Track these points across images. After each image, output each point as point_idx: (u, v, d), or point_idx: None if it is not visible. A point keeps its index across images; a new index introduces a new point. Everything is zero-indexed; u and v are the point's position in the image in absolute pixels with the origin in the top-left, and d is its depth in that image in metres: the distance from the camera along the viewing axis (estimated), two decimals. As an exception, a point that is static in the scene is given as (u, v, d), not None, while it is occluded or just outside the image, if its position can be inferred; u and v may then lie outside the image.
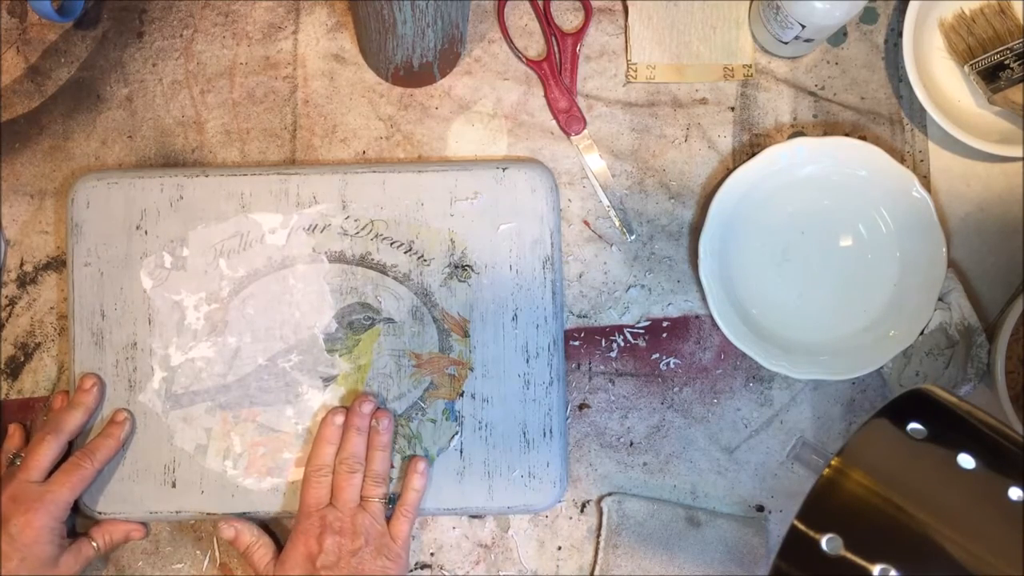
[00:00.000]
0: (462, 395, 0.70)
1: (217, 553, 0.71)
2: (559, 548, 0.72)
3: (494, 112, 0.74)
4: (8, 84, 0.74)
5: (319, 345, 0.70)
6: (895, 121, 0.75)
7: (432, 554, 0.71)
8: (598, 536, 0.71)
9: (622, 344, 0.73)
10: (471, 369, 0.70)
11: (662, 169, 0.74)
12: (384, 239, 0.71)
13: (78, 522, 0.70)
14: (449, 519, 0.72)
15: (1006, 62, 0.71)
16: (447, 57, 0.72)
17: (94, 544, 0.67)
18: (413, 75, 0.72)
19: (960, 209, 0.74)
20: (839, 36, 0.75)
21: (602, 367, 0.73)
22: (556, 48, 0.74)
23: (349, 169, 0.71)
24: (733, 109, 0.74)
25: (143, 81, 0.74)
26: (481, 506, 0.70)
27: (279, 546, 0.69)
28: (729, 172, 0.72)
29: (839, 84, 0.75)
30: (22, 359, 0.72)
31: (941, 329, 0.72)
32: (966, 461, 0.45)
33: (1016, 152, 0.71)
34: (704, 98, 0.74)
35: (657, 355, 0.73)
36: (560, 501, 0.71)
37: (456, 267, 0.71)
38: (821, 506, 0.45)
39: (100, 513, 0.68)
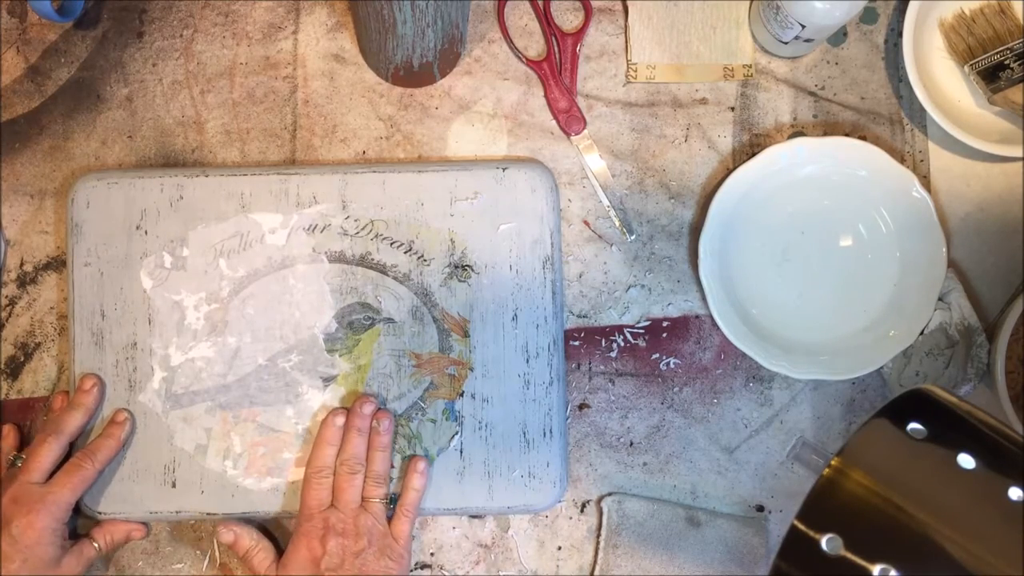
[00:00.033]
0: (462, 395, 0.70)
1: (217, 553, 0.71)
2: (559, 548, 0.72)
3: (494, 112, 0.74)
4: (8, 84, 0.74)
5: (319, 345, 0.70)
6: (895, 121, 0.75)
7: (432, 554, 0.71)
8: (598, 536, 0.71)
9: (622, 344, 0.73)
10: (471, 369, 0.70)
11: (662, 169, 0.74)
12: (384, 239, 0.71)
13: (79, 523, 0.70)
14: (449, 519, 0.72)
15: (1006, 62, 0.71)
16: (447, 57, 0.72)
17: (95, 545, 0.67)
18: (413, 75, 0.72)
19: (960, 209, 0.74)
20: (839, 36, 0.75)
21: (602, 367, 0.73)
22: (556, 48, 0.74)
23: (349, 169, 0.71)
24: (733, 109, 0.74)
25: (143, 81, 0.74)
26: (481, 506, 0.70)
27: (278, 549, 0.69)
28: (729, 172, 0.72)
29: (839, 84, 0.75)
30: (22, 359, 0.72)
31: (941, 329, 0.72)
32: (966, 461, 0.45)
33: (1016, 152, 0.71)
34: (704, 98, 0.74)
35: (657, 355, 0.73)
36: (560, 501, 0.71)
37: (456, 267, 0.71)
38: (821, 506, 0.45)
39: (100, 513, 0.68)
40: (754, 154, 0.72)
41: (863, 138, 0.73)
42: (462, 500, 0.70)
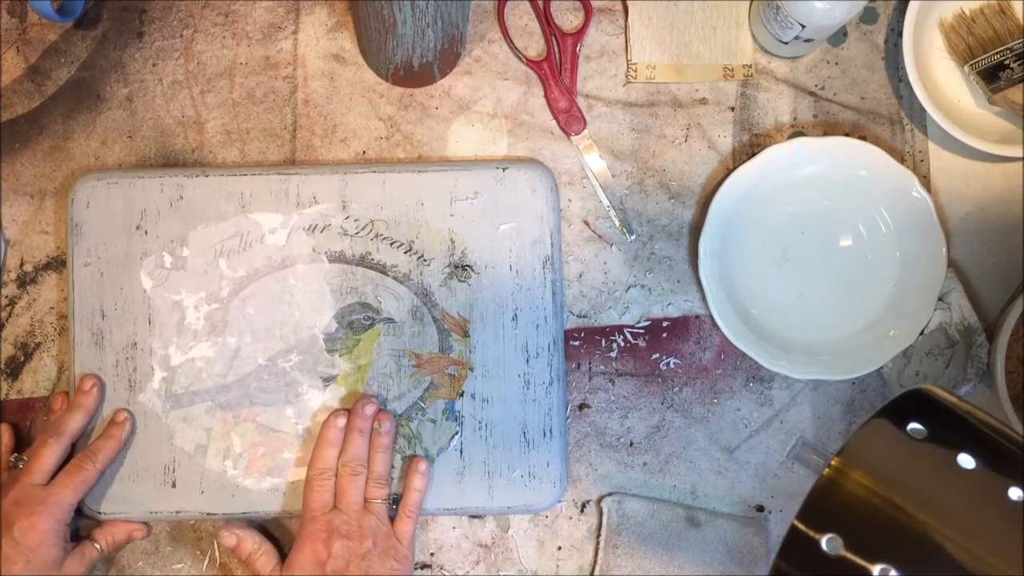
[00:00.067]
0: (462, 395, 0.70)
1: (217, 553, 0.71)
2: (559, 548, 0.72)
3: (494, 112, 0.74)
4: (8, 84, 0.74)
5: (319, 345, 0.70)
6: (895, 121, 0.75)
7: (432, 554, 0.71)
8: (598, 536, 0.71)
9: (622, 344, 0.73)
10: (471, 369, 0.70)
11: (662, 169, 0.74)
12: (384, 239, 0.71)
13: (81, 524, 0.70)
14: (449, 519, 0.72)
15: (1006, 62, 0.71)
16: (447, 57, 0.72)
17: (97, 546, 0.67)
18: (413, 75, 0.72)
19: (960, 209, 0.74)
20: (839, 36, 0.75)
21: (602, 367, 0.73)
22: (556, 48, 0.74)
23: (349, 169, 0.71)
24: (733, 109, 0.74)
25: (143, 81, 0.74)
26: (481, 506, 0.70)
27: (280, 551, 0.69)
28: (729, 172, 0.72)
29: (839, 84, 0.75)
30: (22, 359, 0.72)
31: (941, 329, 0.72)
32: (966, 461, 0.45)
33: (1016, 152, 0.71)
34: (704, 98, 0.74)
35: (657, 355, 0.73)
36: (560, 501, 0.71)
37: (456, 267, 0.71)
38: (821, 506, 0.45)
39: (100, 513, 0.68)
40: (754, 154, 0.72)
41: (863, 138, 0.73)
42: (462, 500, 0.70)
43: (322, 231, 0.71)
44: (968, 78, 0.74)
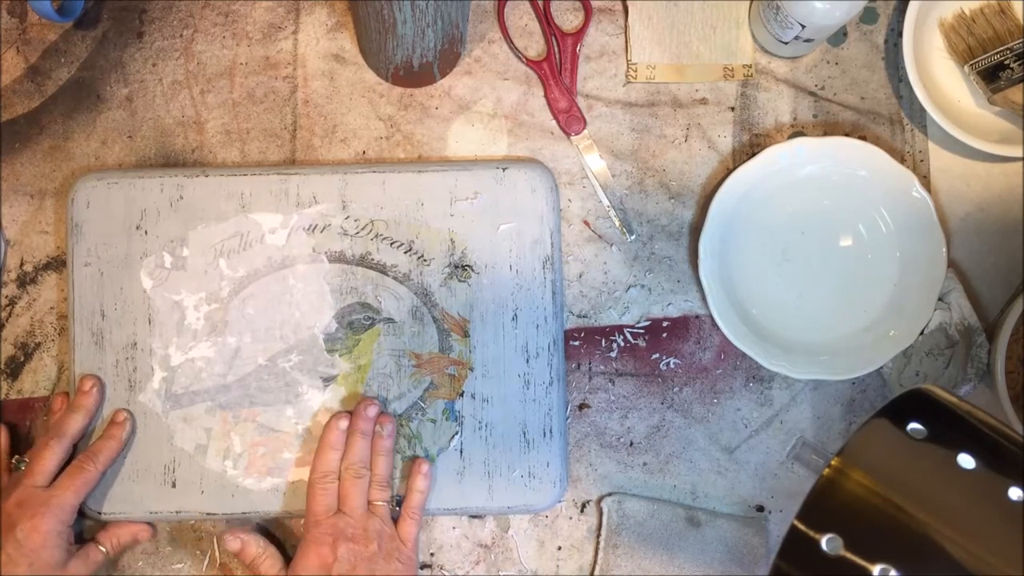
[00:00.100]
0: (462, 395, 0.70)
1: (217, 553, 0.71)
2: (559, 548, 0.72)
3: (494, 112, 0.74)
4: (8, 84, 0.74)
5: (319, 345, 0.70)
6: (895, 121, 0.75)
7: (432, 554, 0.71)
8: (598, 536, 0.71)
9: (622, 344, 0.73)
10: (471, 369, 0.70)
11: (662, 169, 0.74)
12: (384, 239, 0.71)
13: (85, 527, 0.70)
14: (449, 519, 0.72)
15: (1006, 62, 0.71)
16: (447, 57, 0.72)
17: (102, 549, 0.67)
18: (413, 75, 0.72)
19: (960, 209, 0.74)
20: (839, 36, 0.75)
21: (602, 367, 0.73)
22: (556, 48, 0.74)
23: (349, 169, 0.71)
24: (733, 109, 0.74)
25: (143, 81, 0.74)
26: (481, 506, 0.70)
27: (282, 552, 0.69)
28: (729, 172, 0.72)
29: (839, 84, 0.75)
30: (22, 359, 0.72)
31: (941, 329, 0.72)
32: (966, 461, 0.45)
33: (1016, 152, 0.71)
34: (704, 98, 0.74)
35: (657, 355, 0.73)
36: (560, 501, 0.71)
37: (456, 267, 0.71)
38: (821, 506, 0.45)
39: (100, 514, 0.68)
40: (754, 154, 0.72)
41: (863, 138, 0.73)
42: (462, 500, 0.70)
43: (322, 231, 0.71)
44: (968, 78, 0.74)
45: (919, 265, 0.72)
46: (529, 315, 0.70)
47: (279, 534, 0.71)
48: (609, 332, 0.73)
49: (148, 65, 0.74)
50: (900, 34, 0.72)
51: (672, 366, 0.73)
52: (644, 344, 0.73)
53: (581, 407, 0.73)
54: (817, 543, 0.44)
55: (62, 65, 0.74)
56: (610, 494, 0.72)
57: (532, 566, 0.71)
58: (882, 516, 0.44)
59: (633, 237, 0.74)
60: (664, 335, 0.73)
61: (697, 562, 0.70)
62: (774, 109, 0.74)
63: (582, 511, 0.72)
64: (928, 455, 0.46)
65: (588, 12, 0.74)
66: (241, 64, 0.74)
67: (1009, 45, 0.71)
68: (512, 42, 0.74)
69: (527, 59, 0.74)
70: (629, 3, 0.74)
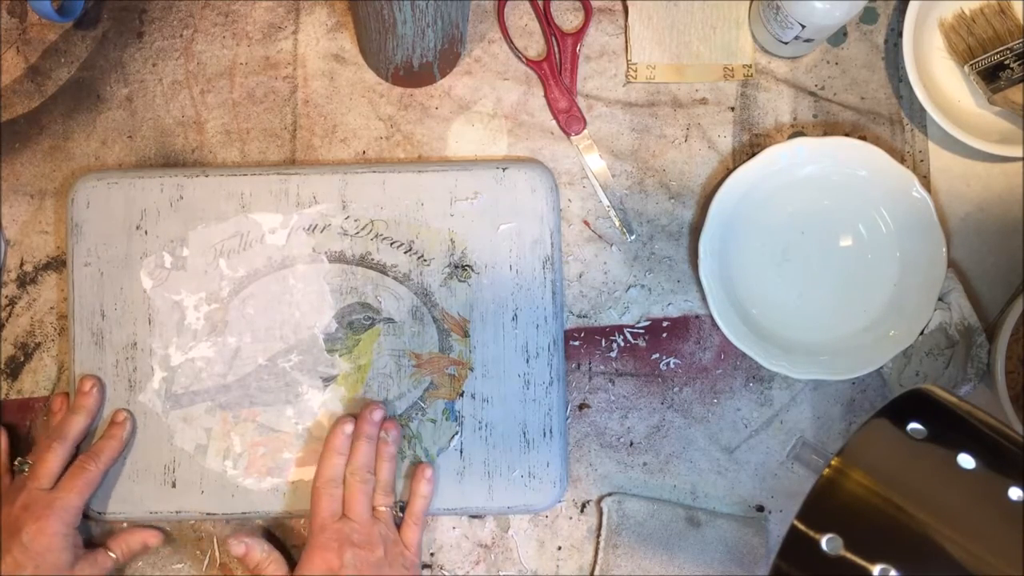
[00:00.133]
0: (462, 395, 0.70)
1: (217, 553, 0.71)
2: (559, 548, 0.72)
3: (494, 112, 0.74)
4: (8, 84, 0.74)
5: (319, 345, 0.70)
6: (895, 121, 0.75)
7: (432, 554, 0.71)
8: (598, 536, 0.71)
9: (622, 344, 0.73)
10: (471, 369, 0.70)
11: (662, 169, 0.74)
12: (384, 239, 0.71)
13: (96, 533, 0.70)
14: (449, 519, 0.72)
15: (1006, 62, 0.71)
16: (447, 57, 0.72)
17: (112, 555, 0.67)
18: (413, 75, 0.72)
19: (960, 209, 0.74)
20: (839, 36, 0.75)
21: (602, 367, 0.73)
22: (556, 48, 0.74)
23: (349, 169, 0.71)
24: (733, 109, 0.74)
25: (143, 81, 0.74)
26: (481, 506, 0.70)
27: (287, 558, 0.69)
28: (729, 172, 0.72)
29: (839, 84, 0.75)
30: (22, 359, 0.72)
31: (941, 329, 0.72)
32: (966, 461, 0.45)
33: (1016, 152, 0.71)
34: (704, 98, 0.74)
35: (657, 355, 0.73)
36: (560, 501, 0.71)
37: (456, 267, 0.71)
38: (821, 506, 0.45)
39: (100, 514, 0.68)
40: (754, 154, 0.72)
41: (863, 138, 0.73)
42: (462, 500, 0.70)
43: (322, 231, 0.71)
44: (968, 78, 0.74)
45: (919, 265, 0.72)
46: (529, 315, 0.70)
47: (280, 534, 0.71)
48: (609, 332, 0.73)
49: (148, 65, 0.74)
50: (900, 34, 0.72)
51: (672, 366, 0.73)
52: (644, 344, 0.73)
53: (581, 407, 0.73)
54: (817, 543, 0.44)
55: (62, 65, 0.74)
56: (610, 494, 0.72)
57: (532, 566, 0.71)
58: (882, 516, 0.44)
59: (633, 237, 0.74)
60: (664, 335, 0.73)
61: (697, 562, 0.70)
62: (774, 109, 0.74)
63: (582, 511, 0.72)
64: (928, 455, 0.46)
65: (588, 12, 0.74)
66: (241, 64, 0.74)
67: (1009, 45, 0.71)
68: (512, 42, 0.74)
69: (527, 59, 0.74)
70: (629, 3, 0.74)
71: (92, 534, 0.70)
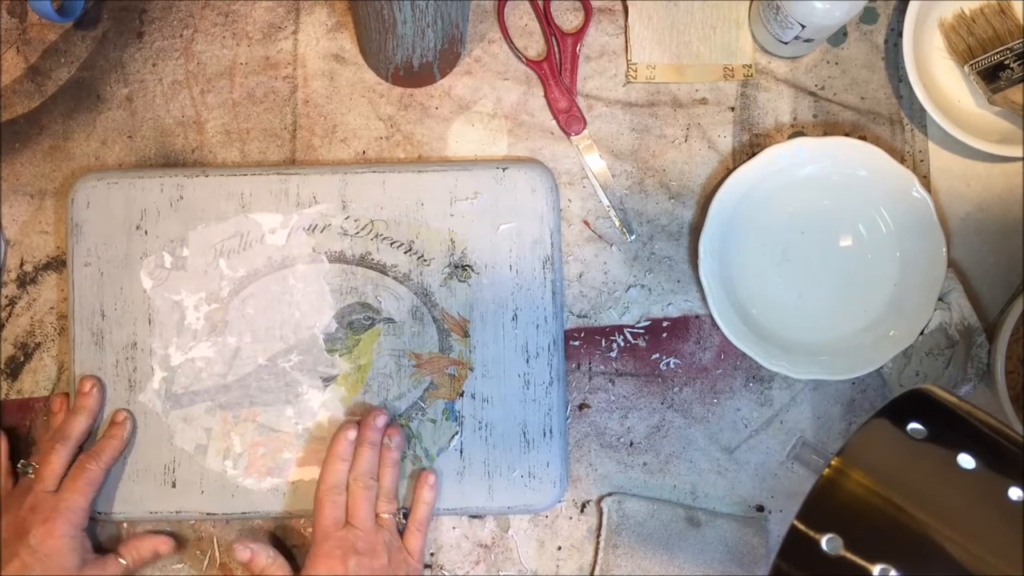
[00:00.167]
0: (462, 395, 0.70)
1: (217, 553, 0.71)
2: (559, 548, 0.72)
3: (494, 112, 0.74)
4: (8, 84, 0.74)
5: (319, 345, 0.70)
6: (895, 121, 0.75)
7: (432, 554, 0.71)
8: (598, 536, 0.71)
9: (622, 344, 0.73)
10: (471, 369, 0.70)
11: (662, 169, 0.74)
12: (384, 239, 0.71)
13: (105, 538, 0.70)
14: (449, 519, 0.72)
15: (1006, 62, 0.71)
16: (447, 57, 0.72)
17: (122, 561, 0.67)
18: (413, 75, 0.72)
19: (960, 209, 0.74)
20: (839, 36, 0.75)
21: (602, 367, 0.73)
22: (556, 48, 0.74)
23: (349, 169, 0.71)
24: (733, 109, 0.74)
25: (143, 81, 0.74)
26: (481, 506, 0.70)
27: (292, 563, 0.69)
28: (729, 172, 0.72)
29: (839, 84, 0.75)
30: (22, 359, 0.72)
31: (941, 329, 0.72)
32: (966, 461, 0.45)
33: (1016, 152, 0.71)
34: (704, 98, 0.74)
35: (657, 355, 0.73)
36: (560, 501, 0.71)
37: (456, 267, 0.71)
38: (821, 506, 0.45)
39: (100, 514, 0.68)
40: (754, 154, 0.72)
41: (863, 138, 0.73)
42: (462, 500, 0.70)
43: (322, 231, 0.71)
44: (968, 78, 0.74)
45: (919, 265, 0.72)
46: (529, 315, 0.70)
47: (281, 534, 0.71)
48: (609, 332, 0.73)
49: (148, 65, 0.74)
50: (900, 34, 0.72)
51: (672, 366, 0.73)
52: (644, 344, 0.73)
53: (581, 407, 0.73)
54: (817, 543, 0.44)
55: (62, 65, 0.74)
56: (610, 494, 0.72)
57: (532, 566, 0.71)
58: (882, 516, 0.44)
59: (633, 237, 0.74)
60: (664, 335, 0.73)
61: (697, 562, 0.70)
62: (774, 109, 0.74)
63: (582, 511, 0.72)
64: (928, 455, 0.46)
65: (588, 12, 0.74)
66: (241, 64, 0.74)
67: (1009, 45, 0.71)
68: (512, 42, 0.74)
69: (527, 59, 0.74)
70: (629, 3, 0.74)
71: (99, 540, 0.70)
